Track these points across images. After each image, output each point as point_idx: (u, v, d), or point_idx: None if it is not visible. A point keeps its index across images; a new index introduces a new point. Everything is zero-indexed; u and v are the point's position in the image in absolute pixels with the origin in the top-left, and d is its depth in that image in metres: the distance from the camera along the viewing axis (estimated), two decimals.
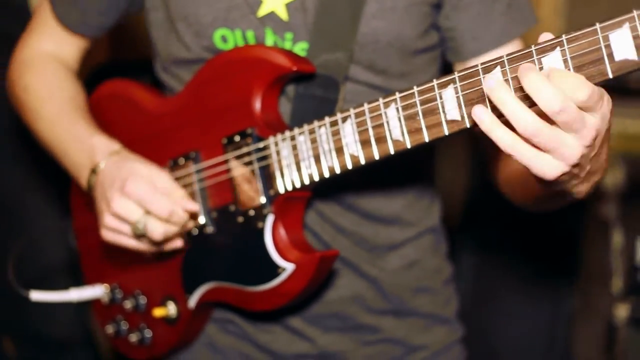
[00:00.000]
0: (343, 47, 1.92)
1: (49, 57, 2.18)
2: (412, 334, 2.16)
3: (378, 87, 2.00)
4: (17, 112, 2.23)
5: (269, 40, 1.95)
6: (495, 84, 1.45)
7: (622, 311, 3.82)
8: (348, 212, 2.06)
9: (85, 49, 2.24)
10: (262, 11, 1.94)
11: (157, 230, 1.89)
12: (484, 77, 1.53)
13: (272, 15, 1.94)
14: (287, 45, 1.95)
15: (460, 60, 2.04)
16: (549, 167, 1.46)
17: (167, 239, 1.95)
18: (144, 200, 1.88)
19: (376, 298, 2.12)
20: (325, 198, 2.01)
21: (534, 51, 1.48)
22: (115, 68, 2.25)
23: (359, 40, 1.94)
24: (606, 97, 1.46)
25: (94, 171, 1.98)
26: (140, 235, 1.89)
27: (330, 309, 2.10)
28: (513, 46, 2.01)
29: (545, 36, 1.47)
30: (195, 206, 1.93)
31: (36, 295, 2.12)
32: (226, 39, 1.96)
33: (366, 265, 2.10)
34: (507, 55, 1.51)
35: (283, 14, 1.93)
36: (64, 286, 2.18)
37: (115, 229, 1.94)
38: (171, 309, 2.06)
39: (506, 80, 1.50)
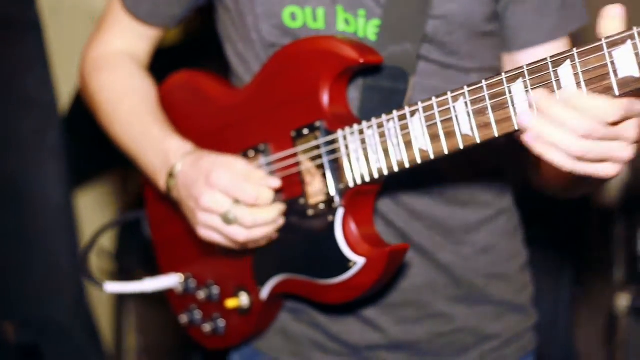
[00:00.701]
0: (412, 32, 1.91)
1: (120, 54, 2.19)
2: (484, 323, 2.14)
3: (450, 65, 1.99)
4: (90, 113, 2.25)
5: (340, 17, 1.94)
6: (527, 120, 1.50)
7: (622, 301, 3.79)
8: (422, 195, 2.05)
9: (157, 41, 2.24)
10: None
11: (247, 217, 1.88)
12: (553, 72, 1.52)
13: None
14: (361, 22, 1.94)
15: (508, 51, 2.04)
16: (608, 171, 1.54)
17: (257, 226, 1.92)
18: (229, 189, 1.88)
19: (449, 285, 2.10)
20: (398, 182, 2.00)
21: (604, 44, 1.47)
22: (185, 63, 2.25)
23: (432, 23, 1.93)
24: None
25: (171, 175, 1.99)
26: (231, 224, 1.89)
27: (404, 297, 2.09)
28: (563, 43, 2.01)
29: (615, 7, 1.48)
30: (277, 182, 1.92)
31: (111, 287, 2.16)
32: (295, 16, 1.96)
33: (440, 251, 2.08)
34: (577, 48, 1.49)
35: None
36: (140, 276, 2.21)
37: (209, 225, 1.93)
38: (244, 299, 2.07)
39: (576, 74, 1.49)
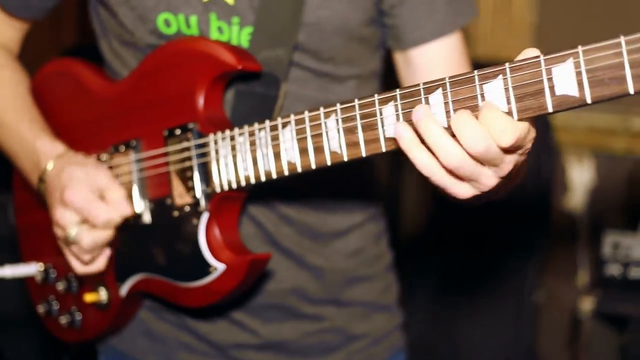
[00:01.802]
0: (285, 39, 1.91)
1: None
2: (352, 323, 2.17)
3: (326, 74, 2.00)
4: None
5: (213, 25, 1.93)
6: (423, 115, 1.45)
7: (587, 304, 3.85)
8: (293, 201, 2.05)
9: (27, 30, 2.21)
10: None
11: (86, 239, 1.89)
12: (425, 98, 1.51)
13: (217, 0, 1.91)
14: (235, 29, 1.92)
15: (401, 48, 2.05)
16: (463, 192, 1.51)
17: (97, 248, 1.94)
18: (80, 209, 1.87)
19: (317, 288, 2.12)
20: (270, 186, 1.98)
21: (476, 77, 1.46)
22: (81, 52, 2.20)
23: (305, 30, 1.92)
24: (531, 134, 1.46)
25: (41, 180, 1.97)
26: (71, 243, 1.90)
27: (270, 300, 2.09)
28: (453, 38, 2.03)
29: (531, 52, 1.43)
30: (132, 210, 1.92)
31: None
32: (169, 23, 1.93)
33: (309, 255, 2.09)
34: (450, 78, 1.49)
35: None
36: (4, 261, 2.16)
37: (59, 238, 1.95)
38: (102, 294, 2.04)
39: (446, 103, 1.49)
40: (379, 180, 2.26)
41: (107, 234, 1.91)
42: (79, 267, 1.98)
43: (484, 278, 3.99)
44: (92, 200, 1.88)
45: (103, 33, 2.09)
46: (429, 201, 4.00)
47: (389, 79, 2.14)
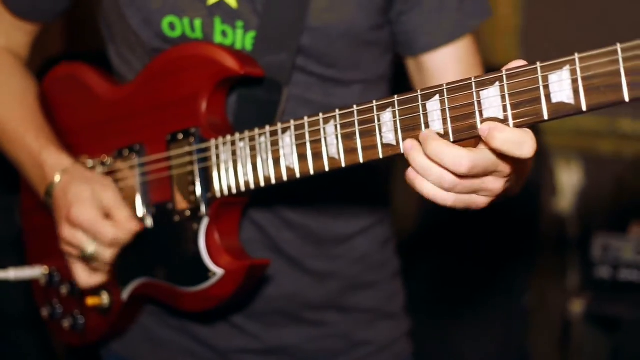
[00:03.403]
0: (288, 44, 1.90)
1: (0, 52, 2.16)
2: (355, 329, 2.16)
3: (330, 78, 1.99)
4: None
5: (218, 29, 1.93)
6: (409, 148, 1.47)
7: (577, 307, 3.83)
8: (296, 206, 2.04)
9: (38, 34, 2.21)
10: None
11: (106, 255, 1.91)
12: (423, 104, 1.51)
13: (221, 4, 1.91)
14: (239, 33, 1.92)
15: (412, 54, 2.04)
16: (480, 203, 1.52)
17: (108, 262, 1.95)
18: (87, 229, 1.88)
19: (319, 294, 2.11)
20: (273, 191, 1.98)
21: (473, 83, 1.46)
22: (69, 60, 2.21)
23: (309, 34, 1.92)
24: (505, 165, 1.46)
25: (48, 193, 1.98)
26: (90, 260, 1.91)
27: (271, 305, 2.09)
28: (465, 40, 2.01)
29: (517, 63, 1.43)
30: (138, 227, 1.91)
31: None
32: (174, 26, 1.94)
33: (311, 261, 2.08)
34: (447, 84, 1.48)
35: (232, 2, 1.91)
36: (9, 263, 2.17)
37: (70, 254, 1.96)
38: (104, 298, 2.04)
39: (443, 110, 1.48)
40: (385, 184, 2.24)
41: (114, 252, 1.92)
42: (84, 281, 1.99)
43: (474, 282, 3.97)
44: (99, 219, 1.88)
45: (110, 38, 2.10)
46: (418, 206, 3.99)
47: (402, 83, 2.12)
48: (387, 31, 2.02)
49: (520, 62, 1.43)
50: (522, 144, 1.40)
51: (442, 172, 1.45)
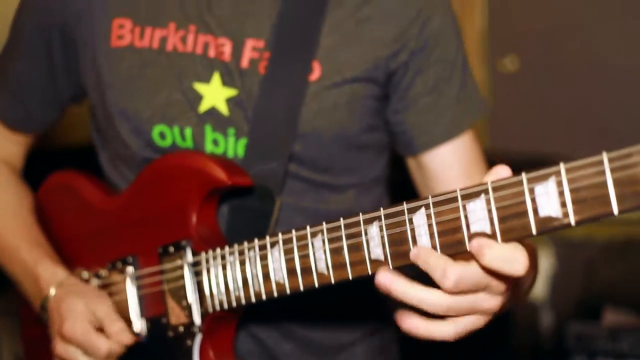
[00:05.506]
0: (279, 151, 1.87)
1: None
2: None
3: (324, 184, 1.95)
4: None
5: (209, 137, 1.90)
6: (386, 281, 1.43)
7: None
8: (294, 315, 1.99)
9: (30, 145, 2.21)
10: (203, 107, 1.89)
11: None
12: (409, 218, 1.45)
13: (212, 111, 1.89)
14: (231, 141, 1.89)
15: (412, 154, 2.00)
16: (478, 325, 1.47)
17: None
18: (80, 343, 1.84)
19: None
20: (269, 300, 1.94)
21: (459, 196, 1.40)
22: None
23: (301, 140, 1.88)
24: (498, 283, 1.41)
25: (43, 307, 1.94)
26: None
27: None
28: (464, 137, 1.98)
29: (501, 171, 1.38)
30: (132, 339, 1.86)
31: None
32: (164, 135, 1.91)
33: None
34: (433, 196, 1.43)
35: (223, 109, 1.88)
36: None
37: None
38: None
39: (430, 225, 1.43)
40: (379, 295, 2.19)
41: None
42: None
43: None
44: (91, 333, 1.84)
45: (102, 145, 2.08)
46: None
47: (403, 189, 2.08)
48: (381, 132, 1.99)
49: (504, 170, 1.37)
50: (513, 261, 1.35)
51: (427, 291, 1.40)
